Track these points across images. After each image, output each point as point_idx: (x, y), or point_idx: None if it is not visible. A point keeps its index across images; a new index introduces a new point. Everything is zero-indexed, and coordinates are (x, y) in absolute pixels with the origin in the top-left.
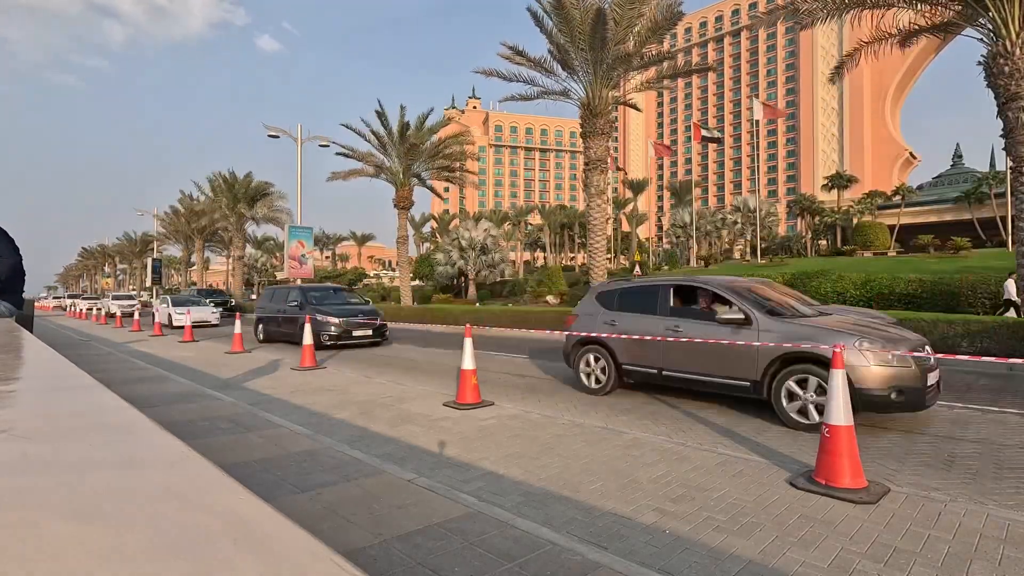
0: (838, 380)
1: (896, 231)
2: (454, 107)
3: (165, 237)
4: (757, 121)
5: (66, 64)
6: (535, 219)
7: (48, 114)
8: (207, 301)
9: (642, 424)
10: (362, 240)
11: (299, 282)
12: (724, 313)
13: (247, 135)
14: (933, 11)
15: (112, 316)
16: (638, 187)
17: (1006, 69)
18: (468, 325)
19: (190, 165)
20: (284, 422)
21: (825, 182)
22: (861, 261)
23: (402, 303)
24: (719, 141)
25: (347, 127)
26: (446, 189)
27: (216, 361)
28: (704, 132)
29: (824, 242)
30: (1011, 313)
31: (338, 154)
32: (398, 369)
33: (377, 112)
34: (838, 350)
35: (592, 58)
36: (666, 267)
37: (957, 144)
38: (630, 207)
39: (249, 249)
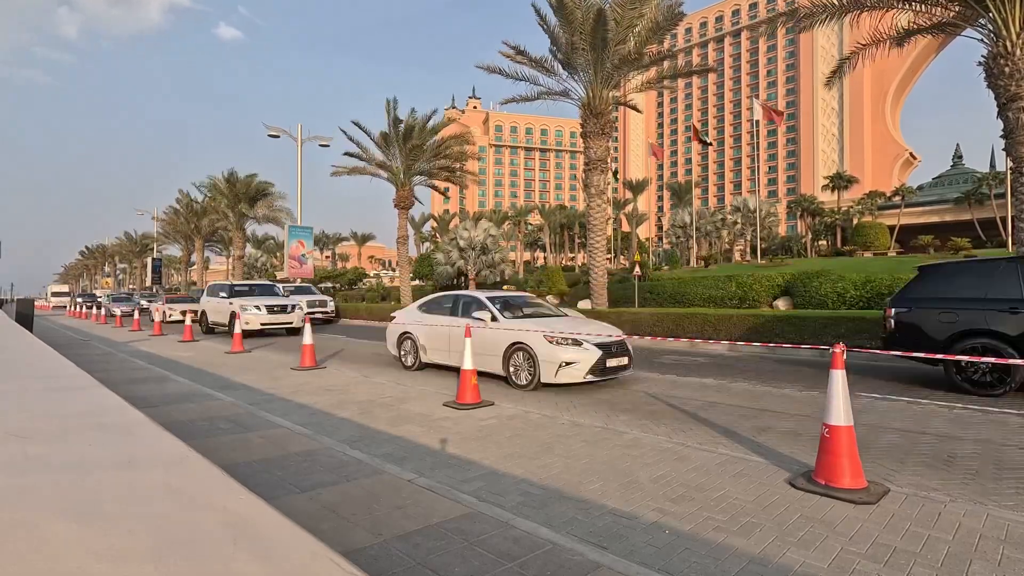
0: (837, 380)
1: (896, 231)
2: (454, 107)
3: (165, 237)
4: (757, 121)
5: (32, 59)
6: (535, 219)
7: (27, 112)
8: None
9: (642, 424)
10: (362, 240)
11: (298, 283)
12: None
13: (244, 132)
14: (933, 11)
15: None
16: (638, 187)
17: (1006, 70)
18: (468, 325)
19: (185, 162)
20: (284, 422)
21: (825, 182)
22: (861, 261)
23: (402, 303)
24: (710, 145)
25: (358, 125)
26: (446, 189)
27: (216, 361)
28: (700, 136)
29: (824, 242)
30: None
31: (346, 154)
32: (398, 369)
33: (395, 117)
34: (838, 351)
35: (593, 58)
36: (666, 267)
37: (957, 144)
38: (630, 207)
39: (249, 249)
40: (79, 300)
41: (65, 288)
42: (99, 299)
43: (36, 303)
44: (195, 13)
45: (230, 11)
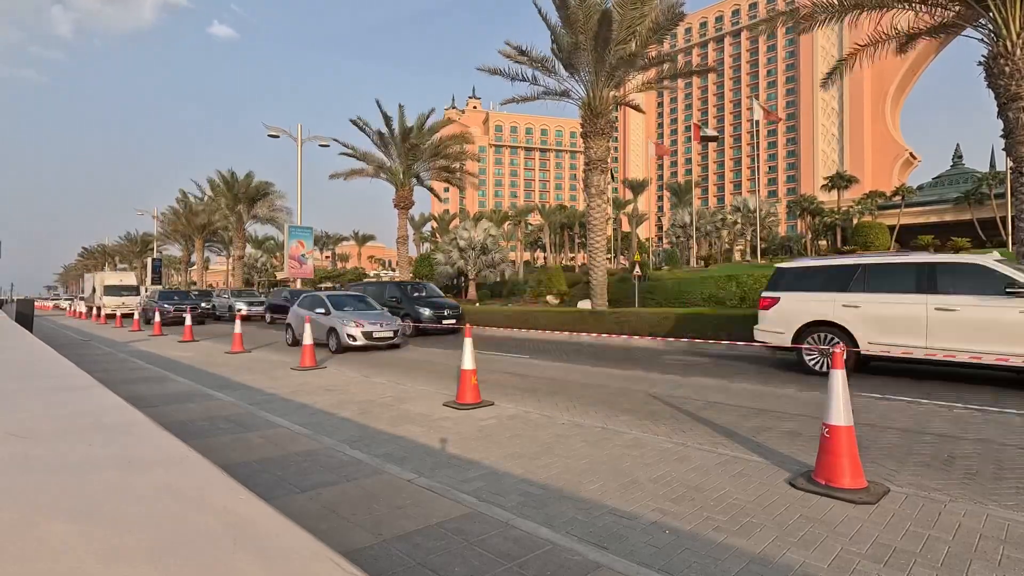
0: (837, 380)
1: (896, 231)
2: (454, 107)
3: (165, 237)
4: (757, 121)
5: (27, 58)
6: (535, 219)
7: (24, 111)
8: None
9: (642, 424)
10: (362, 240)
11: (298, 283)
12: None
13: (243, 132)
14: (934, 12)
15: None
16: (638, 187)
17: (1007, 70)
18: (468, 325)
19: (185, 162)
20: (284, 422)
21: (825, 182)
22: None
23: None
24: (717, 140)
25: (356, 124)
26: (446, 189)
27: (216, 361)
28: (703, 132)
29: (824, 242)
30: None
31: (342, 154)
32: (398, 369)
33: (384, 115)
34: (838, 351)
35: (594, 58)
36: (666, 267)
37: (957, 144)
38: (630, 207)
39: (249, 249)
40: (166, 306)
41: (131, 279)
42: (236, 304)
43: (48, 303)
44: (189, 12)
45: (222, 8)
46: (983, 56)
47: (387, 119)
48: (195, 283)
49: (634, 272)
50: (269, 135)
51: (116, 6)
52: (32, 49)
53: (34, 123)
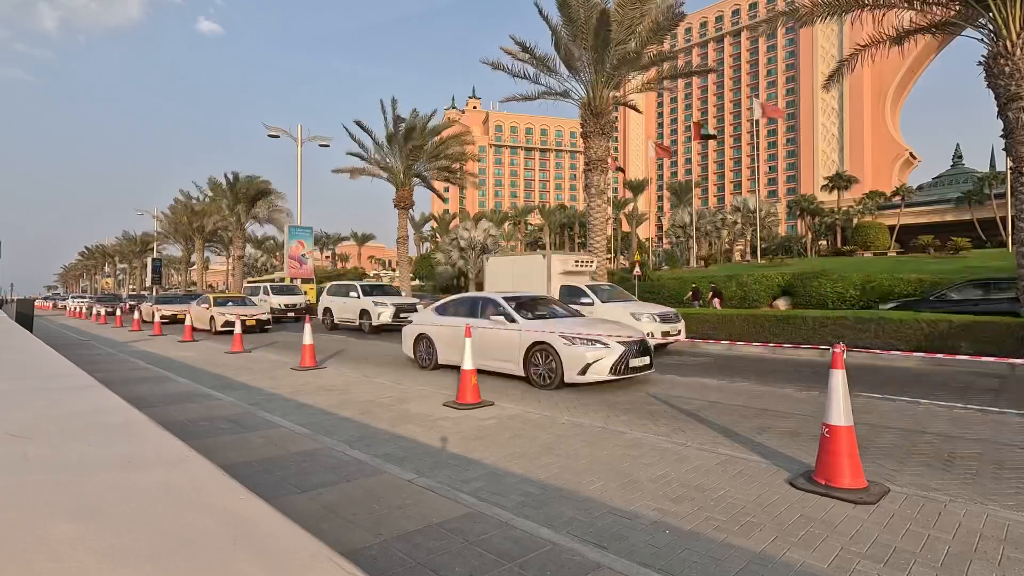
0: (837, 380)
1: (896, 231)
2: (454, 107)
3: (165, 237)
4: (757, 121)
5: (11, 55)
6: (535, 219)
7: (20, 110)
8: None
9: (642, 424)
10: (362, 240)
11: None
12: None
13: (241, 131)
14: (933, 11)
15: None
16: (638, 187)
17: (1006, 69)
18: (468, 325)
19: (185, 162)
20: (284, 422)
21: (825, 182)
22: (861, 261)
23: None
24: (714, 138)
25: (359, 125)
26: (446, 189)
27: (216, 361)
28: (704, 131)
29: (824, 242)
30: None
31: (349, 153)
32: (398, 369)
33: (396, 116)
34: (838, 351)
35: (594, 58)
36: (666, 267)
37: (957, 144)
38: (630, 207)
39: (249, 249)
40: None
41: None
42: None
43: (49, 303)
44: (175, 8)
45: (207, 4)
46: (983, 56)
47: (396, 119)
48: (195, 283)
49: (634, 272)
50: (269, 135)
51: (101, 2)
52: (18, 46)
53: (29, 122)
